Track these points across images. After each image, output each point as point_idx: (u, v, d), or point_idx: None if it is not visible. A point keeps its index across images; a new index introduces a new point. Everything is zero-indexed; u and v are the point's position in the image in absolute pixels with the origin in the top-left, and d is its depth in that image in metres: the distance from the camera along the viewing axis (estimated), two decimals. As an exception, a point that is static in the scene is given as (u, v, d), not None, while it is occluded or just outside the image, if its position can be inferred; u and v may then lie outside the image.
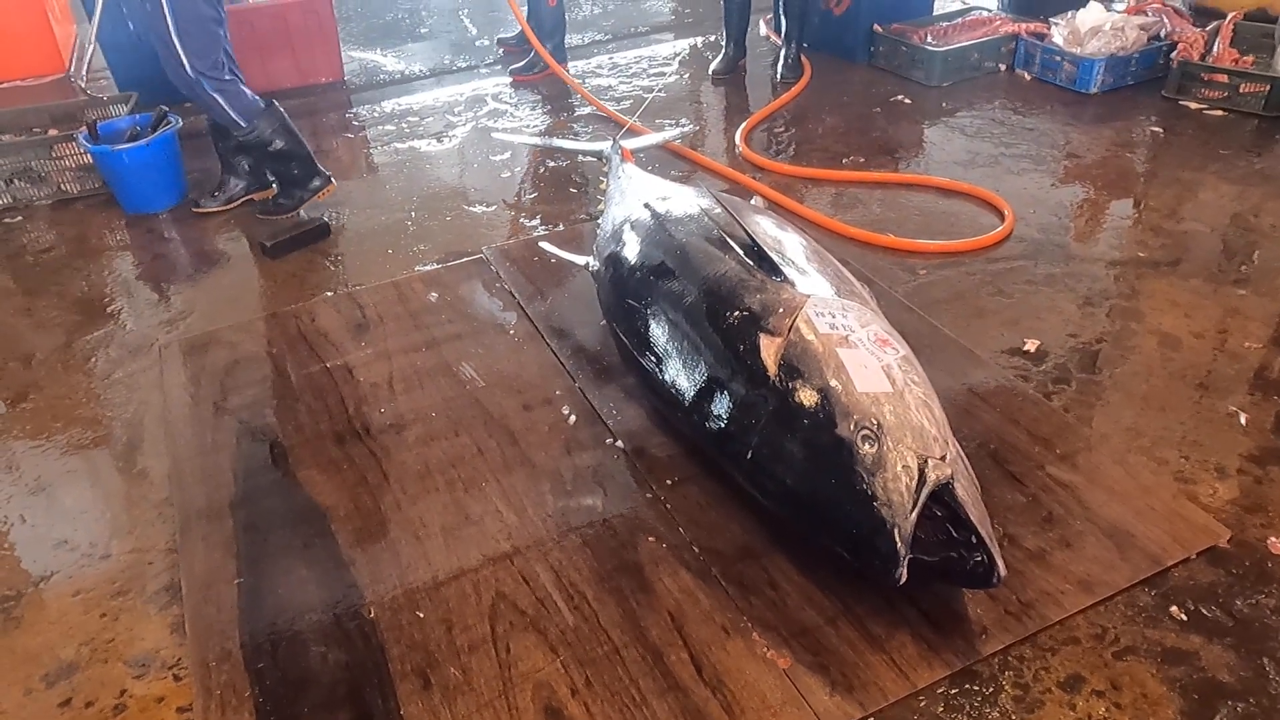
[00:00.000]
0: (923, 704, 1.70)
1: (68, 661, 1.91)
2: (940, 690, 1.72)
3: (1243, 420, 2.33)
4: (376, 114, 4.58)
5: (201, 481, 2.31)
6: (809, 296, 2.06)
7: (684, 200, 2.58)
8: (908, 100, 4.45)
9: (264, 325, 2.95)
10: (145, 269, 3.44)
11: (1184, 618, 1.83)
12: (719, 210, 2.44)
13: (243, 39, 4.80)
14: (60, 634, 1.97)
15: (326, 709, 1.75)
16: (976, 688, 1.73)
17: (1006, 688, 1.72)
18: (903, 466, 1.74)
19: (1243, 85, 4.01)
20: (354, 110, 4.79)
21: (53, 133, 4.01)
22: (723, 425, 2.02)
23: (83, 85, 4.88)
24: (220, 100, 3.41)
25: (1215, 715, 1.66)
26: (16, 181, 3.87)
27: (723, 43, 4.99)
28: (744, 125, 4.20)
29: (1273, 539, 1.98)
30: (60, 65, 5.47)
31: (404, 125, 4.58)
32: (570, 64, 5.11)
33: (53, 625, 2.00)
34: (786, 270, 2.14)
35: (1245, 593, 1.88)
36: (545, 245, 3.05)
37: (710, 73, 4.92)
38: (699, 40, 5.49)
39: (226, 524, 2.18)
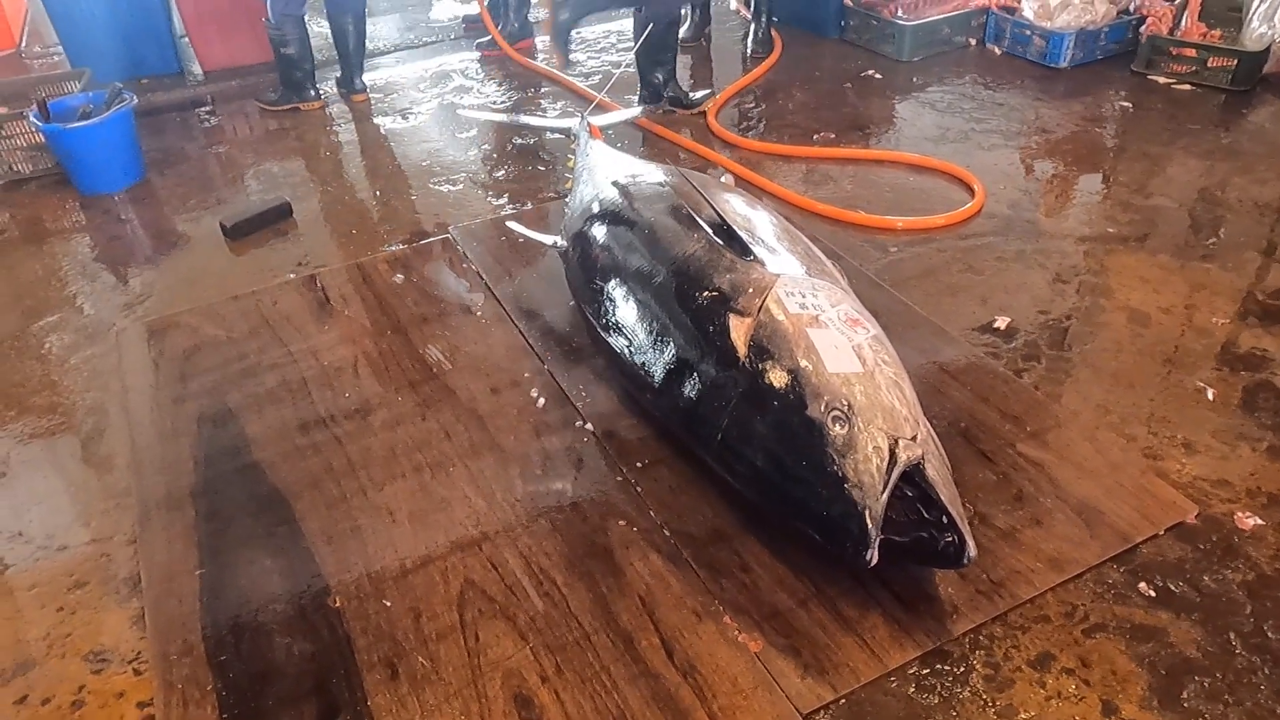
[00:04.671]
0: (894, 685, 1.70)
1: (23, 658, 1.86)
2: (912, 670, 1.72)
3: (1210, 395, 2.34)
4: (341, 90, 4.47)
5: (161, 470, 2.26)
6: (779, 276, 2.03)
7: (652, 178, 2.54)
8: (878, 75, 4.42)
9: (225, 308, 2.88)
10: (102, 251, 3.35)
11: (1152, 594, 1.84)
12: (688, 188, 2.40)
13: (203, 14, 4.69)
14: (15, 629, 1.92)
15: (291, 701, 1.71)
16: (948, 667, 1.72)
17: (977, 667, 1.73)
18: (874, 447, 1.72)
19: (1211, 59, 4.01)
20: (317, 87, 4.66)
21: (2, 110, 3.88)
22: (693, 407, 2.00)
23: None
24: None
25: (1183, 690, 1.67)
26: (-35, 162, 3.76)
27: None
28: (714, 101, 4.15)
29: (1239, 514, 1.99)
30: (10, 40, 5.30)
31: (368, 102, 4.48)
32: (536, 39, 5.02)
33: (7, 621, 1.95)
34: (756, 249, 2.11)
35: (1212, 568, 1.89)
36: (513, 225, 3.00)
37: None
38: (668, 14, 5.40)
39: (188, 513, 2.13)
